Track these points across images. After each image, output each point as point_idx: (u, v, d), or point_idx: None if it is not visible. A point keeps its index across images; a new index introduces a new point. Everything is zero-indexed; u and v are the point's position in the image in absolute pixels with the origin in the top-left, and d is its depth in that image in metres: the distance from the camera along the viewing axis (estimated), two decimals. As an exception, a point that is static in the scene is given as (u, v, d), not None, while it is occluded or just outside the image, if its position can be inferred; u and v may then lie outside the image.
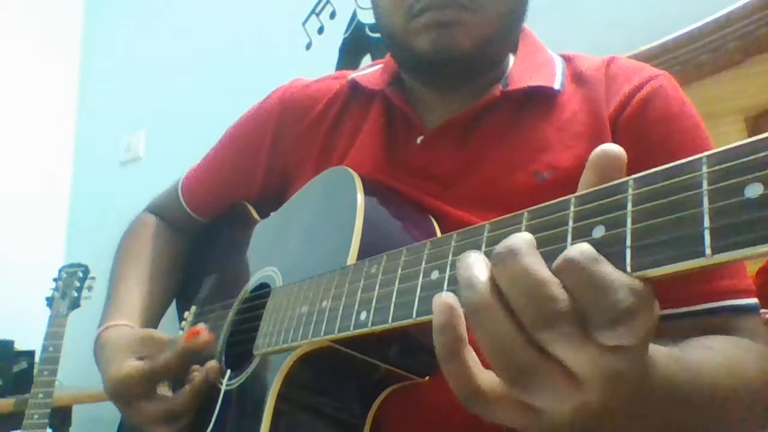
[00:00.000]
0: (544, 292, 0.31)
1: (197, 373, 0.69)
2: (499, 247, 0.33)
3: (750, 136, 0.28)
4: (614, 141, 0.63)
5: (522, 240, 0.33)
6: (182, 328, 0.86)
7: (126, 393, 0.70)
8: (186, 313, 0.88)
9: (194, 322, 0.86)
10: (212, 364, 0.69)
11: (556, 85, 0.69)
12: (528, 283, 0.31)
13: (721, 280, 0.59)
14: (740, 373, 0.50)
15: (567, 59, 0.73)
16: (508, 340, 0.32)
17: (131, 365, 0.70)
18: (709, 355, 0.50)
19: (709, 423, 0.46)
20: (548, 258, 0.33)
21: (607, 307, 0.30)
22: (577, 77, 0.70)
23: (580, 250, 0.31)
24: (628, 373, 0.33)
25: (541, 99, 0.68)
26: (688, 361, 0.45)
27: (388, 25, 0.70)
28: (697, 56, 0.99)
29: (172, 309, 0.93)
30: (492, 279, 0.33)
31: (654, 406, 0.39)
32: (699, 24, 1.00)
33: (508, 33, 0.70)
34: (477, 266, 0.34)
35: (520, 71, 0.71)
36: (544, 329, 0.31)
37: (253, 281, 0.75)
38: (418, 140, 0.71)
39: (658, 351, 0.40)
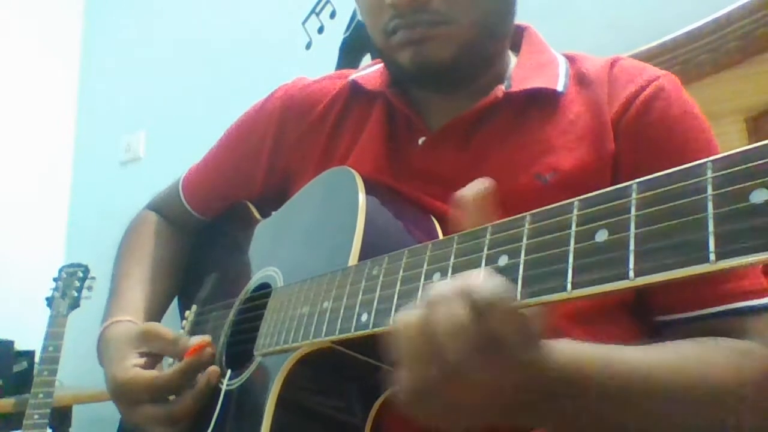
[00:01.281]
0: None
1: (200, 377, 0.68)
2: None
3: (750, 136, 0.28)
4: (616, 144, 0.63)
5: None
6: (183, 328, 0.86)
7: (128, 396, 0.70)
8: (187, 312, 0.88)
9: (195, 322, 0.86)
10: (214, 368, 0.69)
11: (559, 87, 0.68)
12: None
13: (725, 283, 0.58)
14: (699, 370, 0.50)
15: (570, 59, 0.73)
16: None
17: (136, 374, 0.70)
18: (655, 353, 0.50)
19: (647, 417, 0.47)
20: (551, 264, 0.33)
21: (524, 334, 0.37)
22: (581, 78, 0.69)
23: (495, 292, 0.36)
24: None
25: (543, 101, 0.68)
26: (607, 355, 0.46)
27: (373, 41, 0.71)
28: (696, 56, 0.99)
29: (174, 308, 0.93)
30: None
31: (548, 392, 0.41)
32: (699, 24, 0.99)
33: (491, 36, 0.68)
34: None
35: (522, 72, 0.70)
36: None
37: (254, 281, 0.75)
38: (420, 142, 0.71)
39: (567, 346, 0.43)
